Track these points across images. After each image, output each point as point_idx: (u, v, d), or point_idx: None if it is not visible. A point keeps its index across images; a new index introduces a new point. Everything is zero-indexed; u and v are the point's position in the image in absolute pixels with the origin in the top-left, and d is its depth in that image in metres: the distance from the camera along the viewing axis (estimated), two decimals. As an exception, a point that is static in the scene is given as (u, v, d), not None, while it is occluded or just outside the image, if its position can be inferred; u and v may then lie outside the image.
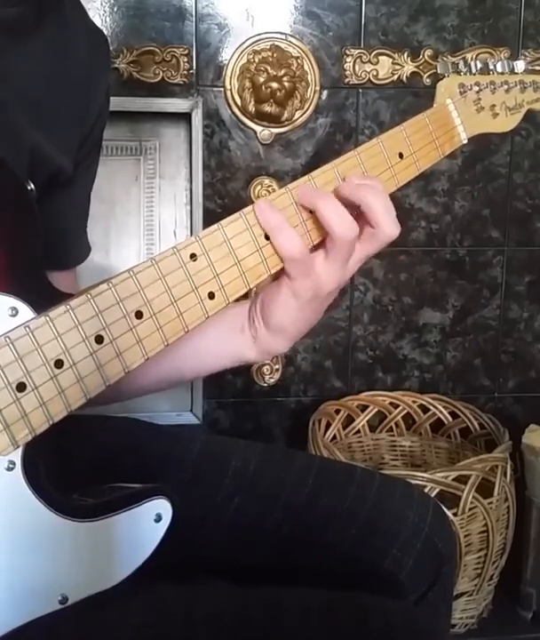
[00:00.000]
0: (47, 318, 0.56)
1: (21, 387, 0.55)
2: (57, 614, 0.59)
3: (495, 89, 0.87)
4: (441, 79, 0.84)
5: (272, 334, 0.74)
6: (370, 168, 0.74)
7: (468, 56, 1.58)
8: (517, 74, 0.89)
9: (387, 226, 0.69)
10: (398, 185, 0.77)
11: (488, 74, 0.87)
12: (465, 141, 0.85)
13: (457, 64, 0.85)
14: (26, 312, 0.56)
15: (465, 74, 0.85)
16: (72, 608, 0.59)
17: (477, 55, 1.59)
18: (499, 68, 0.87)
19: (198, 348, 0.77)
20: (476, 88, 0.85)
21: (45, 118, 0.75)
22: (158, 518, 0.63)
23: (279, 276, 0.71)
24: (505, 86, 0.88)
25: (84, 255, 0.90)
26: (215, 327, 0.75)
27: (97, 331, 0.58)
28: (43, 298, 0.57)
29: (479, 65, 0.86)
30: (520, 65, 0.89)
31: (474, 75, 0.86)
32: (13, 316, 0.55)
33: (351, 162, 0.73)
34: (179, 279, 0.63)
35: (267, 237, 0.68)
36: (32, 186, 0.66)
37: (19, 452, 0.56)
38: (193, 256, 0.64)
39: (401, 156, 0.77)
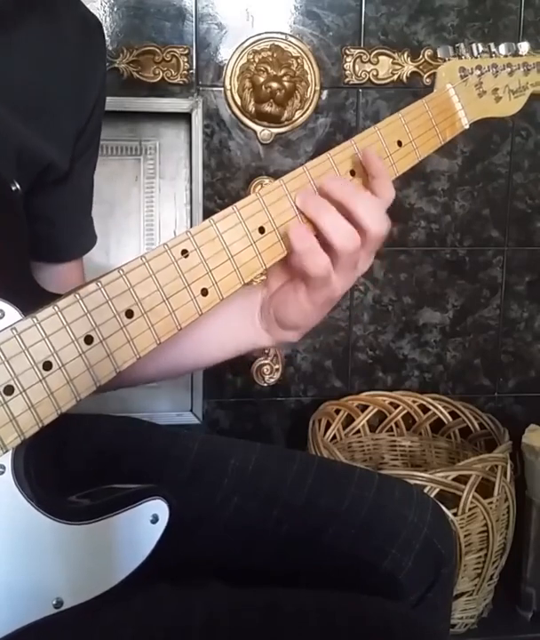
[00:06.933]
0: (34, 320, 0.55)
1: (9, 390, 0.54)
2: (53, 617, 0.58)
3: (497, 72, 0.84)
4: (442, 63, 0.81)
5: (285, 330, 0.75)
6: None
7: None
8: (520, 56, 0.86)
9: (374, 226, 0.68)
10: (397, 173, 0.76)
11: (491, 57, 0.84)
12: (467, 126, 0.83)
13: (458, 48, 0.82)
14: (12, 314, 0.55)
15: (466, 57, 0.82)
16: (68, 611, 0.59)
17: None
18: (502, 51, 0.84)
19: (199, 340, 0.78)
20: (478, 72, 0.83)
21: (34, 114, 0.74)
22: (155, 519, 0.63)
23: (291, 281, 0.72)
24: (508, 69, 0.85)
25: (90, 246, 0.90)
26: (220, 319, 0.76)
27: (86, 331, 0.58)
28: (30, 299, 0.57)
29: (480, 48, 0.83)
30: (523, 46, 0.86)
31: (476, 58, 0.83)
32: (0, 318, 0.55)
33: (347, 152, 0.72)
34: (171, 276, 0.62)
35: (262, 231, 0.67)
36: (17, 186, 0.65)
37: (9, 455, 0.56)
38: (184, 252, 0.63)
39: (399, 143, 0.75)
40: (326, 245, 0.68)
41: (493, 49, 0.84)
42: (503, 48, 0.85)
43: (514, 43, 0.85)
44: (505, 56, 0.85)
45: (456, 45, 0.82)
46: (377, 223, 0.68)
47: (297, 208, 0.69)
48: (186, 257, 0.63)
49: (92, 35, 0.82)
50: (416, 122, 0.77)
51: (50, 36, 0.75)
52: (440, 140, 0.80)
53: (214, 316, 0.69)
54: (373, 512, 0.82)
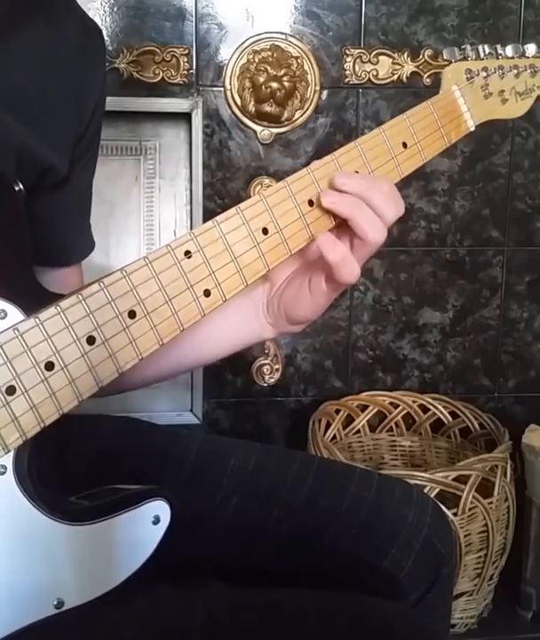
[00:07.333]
0: (37, 320, 0.55)
1: (11, 390, 0.54)
2: (54, 618, 0.58)
3: (504, 74, 0.84)
4: (448, 65, 0.81)
5: (292, 324, 0.76)
6: (372, 159, 0.73)
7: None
8: (527, 58, 0.86)
9: (390, 213, 0.70)
10: (402, 175, 0.76)
11: (497, 58, 0.84)
12: (473, 128, 0.83)
13: (464, 49, 0.81)
14: (15, 314, 0.55)
15: (473, 59, 0.82)
16: (69, 611, 0.59)
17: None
18: (509, 52, 0.84)
19: (200, 340, 0.78)
20: (484, 73, 0.82)
21: (35, 116, 0.74)
22: (156, 520, 0.63)
23: (300, 277, 0.73)
24: (515, 71, 0.85)
25: (88, 250, 0.90)
26: (220, 318, 0.76)
27: (88, 331, 0.58)
28: (32, 299, 0.57)
29: (487, 50, 0.82)
30: (530, 48, 0.85)
31: (482, 60, 0.82)
32: (2, 318, 0.55)
33: (352, 153, 0.71)
34: (173, 277, 0.62)
35: (265, 232, 0.67)
36: (20, 186, 0.66)
37: (11, 456, 0.56)
38: (187, 253, 0.63)
39: (404, 145, 0.75)
40: (346, 237, 0.69)
41: (499, 50, 0.84)
42: (509, 50, 0.84)
43: (521, 44, 0.85)
44: (512, 58, 0.85)
45: (463, 47, 0.82)
46: (393, 211, 0.70)
47: (326, 208, 0.69)
48: (189, 258, 0.63)
49: (92, 36, 0.82)
50: (421, 123, 0.77)
51: (50, 36, 0.75)
52: (446, 141, 0.79)
53: (214, 315, 0.70)
54: (373, 512, 0.82)
